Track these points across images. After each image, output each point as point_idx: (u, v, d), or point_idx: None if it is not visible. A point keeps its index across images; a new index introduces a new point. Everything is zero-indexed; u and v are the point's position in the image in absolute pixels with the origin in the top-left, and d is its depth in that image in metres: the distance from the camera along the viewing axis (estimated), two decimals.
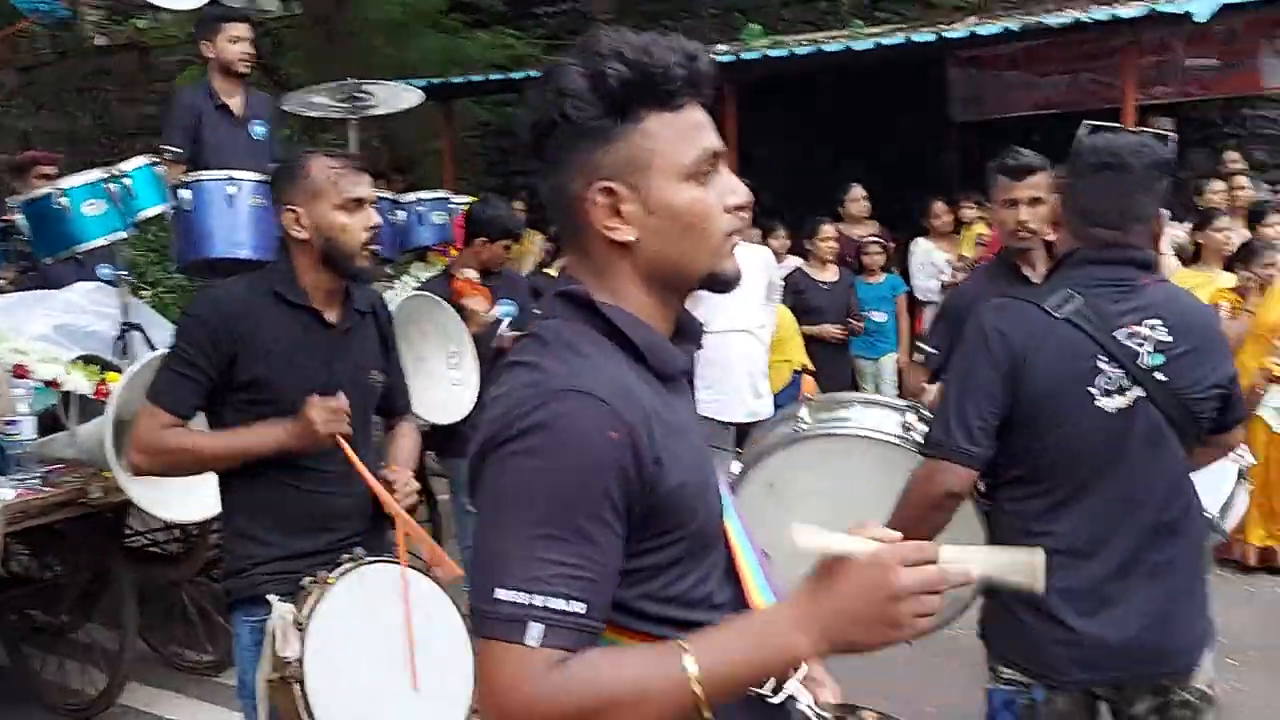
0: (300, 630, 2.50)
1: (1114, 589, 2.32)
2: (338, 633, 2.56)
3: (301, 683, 2.47)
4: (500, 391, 1.36)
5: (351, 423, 2.65)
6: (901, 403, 2.60)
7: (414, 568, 2.74)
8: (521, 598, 1.24)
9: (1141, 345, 2.32)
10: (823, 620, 1.27)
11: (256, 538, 2.66)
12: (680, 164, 1.37)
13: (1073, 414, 2.32)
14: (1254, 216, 6.69)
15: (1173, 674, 2.37)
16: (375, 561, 2.69)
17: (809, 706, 1.55)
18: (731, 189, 1.41)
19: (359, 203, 2.65)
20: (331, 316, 2.72)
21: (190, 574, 4.75)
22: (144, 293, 9.12)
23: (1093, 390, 2.32)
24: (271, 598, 2.56)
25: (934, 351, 3.92)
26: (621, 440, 1.29)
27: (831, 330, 7.32)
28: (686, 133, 1.37)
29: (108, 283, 4.96)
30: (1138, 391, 2.31)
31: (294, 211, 2.64)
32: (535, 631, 1.23)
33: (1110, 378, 2.31)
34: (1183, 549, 2.37)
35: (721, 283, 1.45)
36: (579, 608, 1.25)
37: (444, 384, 4.79)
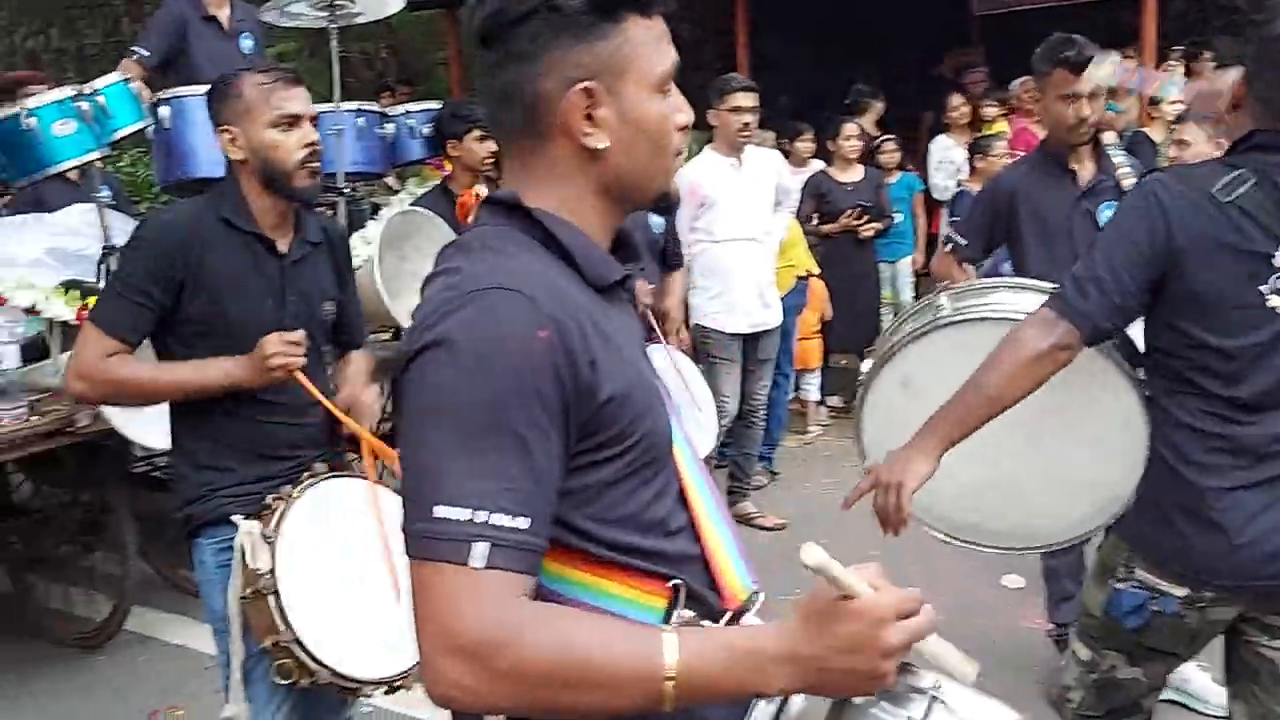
0: (269, 543, 2.47)
1: (1275, 491, 2.16)
2: (307, 543, 2.53)
3: (275, 593, 2.45)
4: (420, 304, 1.27)
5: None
6: (1049, 286, 2.33)
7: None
8: (461, 514, 1.13)
9: None
10: (809, 663, 1.16)
11: (214, 466, 2.61)
12: (653, 74, 1.32)
13: (1237, 311, 2.12)
14: None
15: None
16: (338, 476, 2.67)
17: None
18: (680, 107, 1.37)
19: (295, 119, 2.57)
20: (282, 245, 2.64)
21: None
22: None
23: (1263, 289, 2.10)
24: (236, 518, 2.52)
25: (963, 241, 3.73)
26: (551, 338, 1.19)
27: (845, 220, 6.85)
28: (658, 42, 1.33)
29: (110, 205, 4.80)
30: None
31: (230, 131, 2.57)
32: (480, 550, 1.13)
33: None
34: None
35: (670, 204, 1.43)
36: (522, 523, 1.15)
37: None
